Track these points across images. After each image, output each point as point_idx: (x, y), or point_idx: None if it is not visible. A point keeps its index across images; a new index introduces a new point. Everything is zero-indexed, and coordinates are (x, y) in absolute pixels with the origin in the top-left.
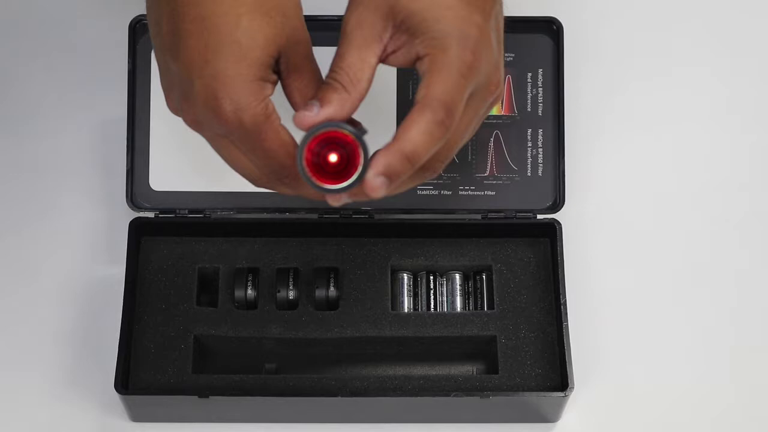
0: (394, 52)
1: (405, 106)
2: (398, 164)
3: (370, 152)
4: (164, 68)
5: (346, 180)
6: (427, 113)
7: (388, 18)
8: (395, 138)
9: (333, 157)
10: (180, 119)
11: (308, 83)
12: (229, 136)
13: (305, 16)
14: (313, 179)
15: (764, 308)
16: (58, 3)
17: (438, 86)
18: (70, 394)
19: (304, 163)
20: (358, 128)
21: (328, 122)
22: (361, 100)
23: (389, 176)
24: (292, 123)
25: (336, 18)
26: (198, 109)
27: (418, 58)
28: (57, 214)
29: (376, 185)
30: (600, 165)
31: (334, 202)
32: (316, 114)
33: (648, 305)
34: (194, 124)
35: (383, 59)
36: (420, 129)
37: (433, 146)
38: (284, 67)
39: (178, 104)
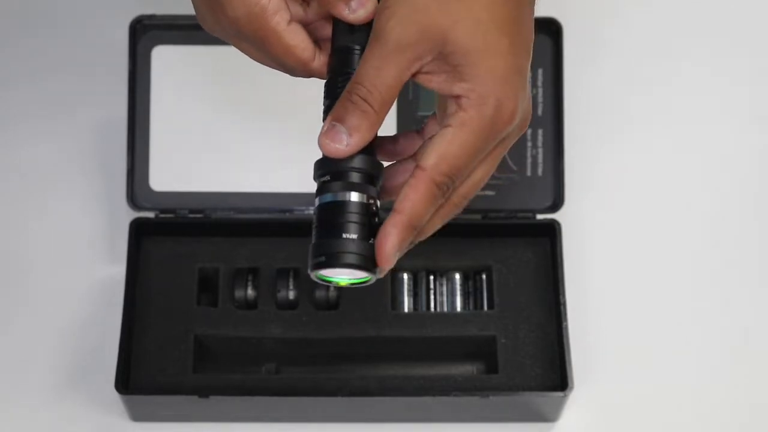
0: (427, 73)
1: (403, 101)
2: (406, 235)
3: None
4: None
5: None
6: (432, 185)
7: (435, 43)
8: (398, 209)
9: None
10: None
11: None
12: (241, 40)
13: None
14: (328, 276)
15: (764, 308)
16: (58, 3)
17: (451, 153)
18: (70, 394)
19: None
20: (375, 162)
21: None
22: (384, 118)
23: (400, 249)
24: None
25: None
26: (206, 20)
27: (453, 99)
28: (57, 214)
29: (391, 263)
30: (600, 165)
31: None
32: (346, 147)
33: (648, 305)
34: (211, 31)
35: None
36: (421, 198)
37: (434, 206)
38: None
39: (197, 15)
